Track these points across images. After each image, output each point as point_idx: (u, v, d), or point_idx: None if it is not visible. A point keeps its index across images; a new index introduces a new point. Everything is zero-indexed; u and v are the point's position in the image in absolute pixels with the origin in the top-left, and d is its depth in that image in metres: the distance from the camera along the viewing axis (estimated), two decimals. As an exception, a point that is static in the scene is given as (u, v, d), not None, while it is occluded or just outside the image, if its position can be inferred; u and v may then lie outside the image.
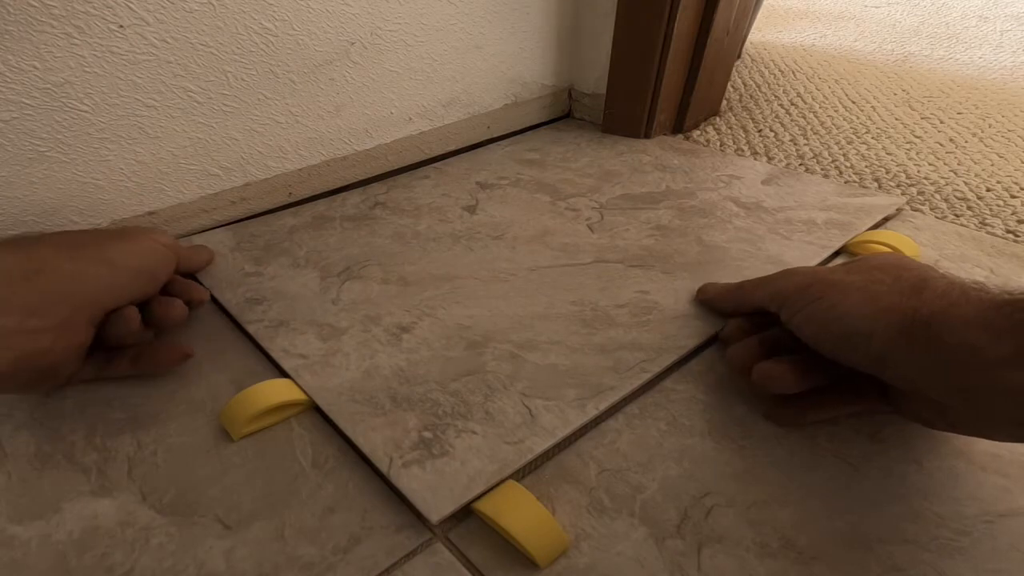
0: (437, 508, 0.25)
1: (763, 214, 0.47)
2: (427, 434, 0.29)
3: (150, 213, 0.42)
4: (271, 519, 0.26)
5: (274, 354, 0.34)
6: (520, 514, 0.25)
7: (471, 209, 0.48)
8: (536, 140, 0.61)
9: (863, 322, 0.26)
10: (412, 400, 0.31)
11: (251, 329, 0.36)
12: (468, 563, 0.25)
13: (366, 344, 0.35)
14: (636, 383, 0.32)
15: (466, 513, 0.27)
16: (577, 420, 0.30)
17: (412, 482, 0.26)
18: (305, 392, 0.31)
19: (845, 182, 0.53)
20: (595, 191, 0.50)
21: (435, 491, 0.26)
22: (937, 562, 0.24)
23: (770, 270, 0.35)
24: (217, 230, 0.46)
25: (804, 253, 0.42)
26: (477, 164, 0.55)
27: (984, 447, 0.29)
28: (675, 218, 0.46)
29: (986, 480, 0.28)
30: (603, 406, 0.30)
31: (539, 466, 0.29)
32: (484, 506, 0.26)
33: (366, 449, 0.28)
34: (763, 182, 0.51)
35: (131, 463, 0.29)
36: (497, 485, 0.27)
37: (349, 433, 0.29)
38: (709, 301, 0.37)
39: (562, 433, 0.29)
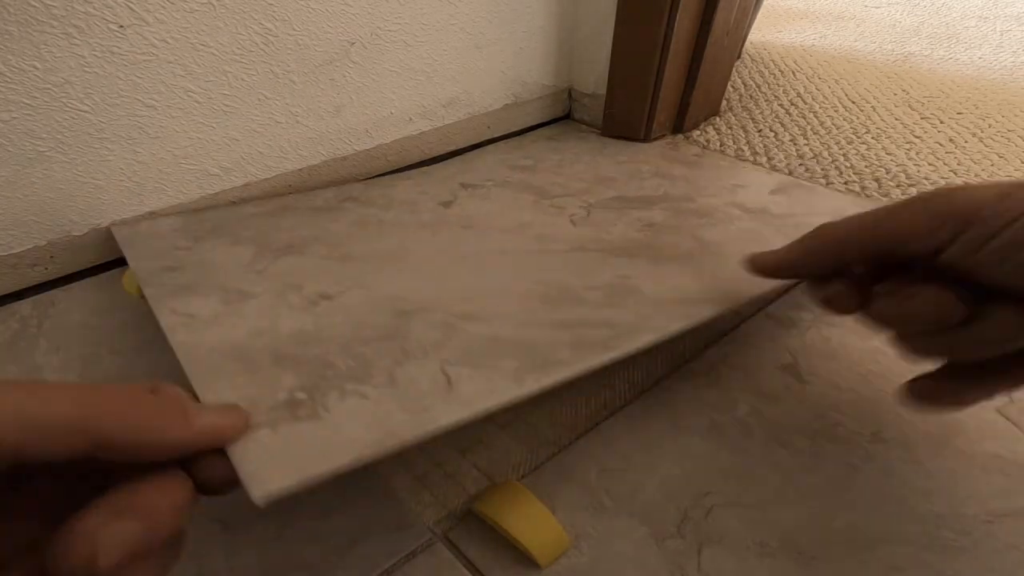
0: (263, 482, 0.18)
1: (769, 218, 0.41)
2: (300, 395, 0.23)
3: (150, 213, 0.42)
4: (271, 520, 0.26)
5: (160, 314, 0.28)
6: (520, 514, 0.25)
7: (447, 204, 0.43)
8: (533, 147, 0.58)
9: None
10: (300, 361, 0.25)
11: (148, 291, 0.30)
12: (468, 563, 0.25)
13: (272, 308, 0.29)
14: (595, 361, 0.25)
15: (466, 513, 0.27)
16: (508, 393, 0.23)
17: (249, 450, 0.20)
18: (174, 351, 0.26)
19: (867, 197, 0.51)
20: (586, 193, 0.45)
21: (275, 459, 0.19)
22: (937, 562, 0.24)
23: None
24: (169, 216, 0.41)
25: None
26: (466, 168, 0.52)
27: (985, 447, 0.29)
28: (670, 217, 0.41)
29: (987, 480, 0.28)
30: (547, 381, 0.24)
31: (539, 465, 0.29)
32: (484, 506, 0.26)
33: (206, 402, 0.22)
34: (771, 192, 0.46)
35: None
36: (372, 459, 0.20)
37: (196, 389, 0.23)
38: (777, 267, 0.27)
39: (483, 405, 0.22)
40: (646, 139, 0.60)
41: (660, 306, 0.30)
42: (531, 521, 0.25)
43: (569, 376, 0.25)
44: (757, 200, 0.44)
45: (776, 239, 0.35)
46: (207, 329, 0.27)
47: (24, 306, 0.39)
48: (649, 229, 0.39)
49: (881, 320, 0.24)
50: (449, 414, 0.22)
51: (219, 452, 0.19)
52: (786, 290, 0.35)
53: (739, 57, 0.89)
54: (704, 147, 0.60)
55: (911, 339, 0.24)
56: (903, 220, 0.22)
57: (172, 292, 0.30)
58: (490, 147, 0.60)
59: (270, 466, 0.19)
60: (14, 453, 0.14)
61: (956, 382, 0.24)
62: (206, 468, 0.18)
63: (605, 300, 0.30)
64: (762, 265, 0.28)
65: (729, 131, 0.64)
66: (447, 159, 0.58)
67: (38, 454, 0.14)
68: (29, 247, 0.39)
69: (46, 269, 0.40)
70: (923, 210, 0.22)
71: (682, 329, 0.28)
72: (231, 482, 0.19)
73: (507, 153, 0.57)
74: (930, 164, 0.56)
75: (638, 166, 0.52)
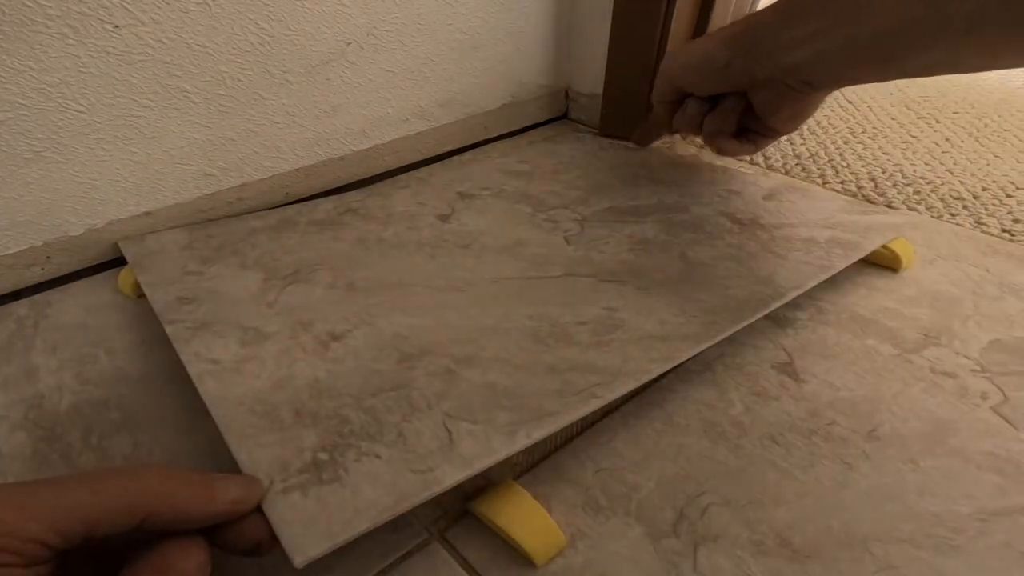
0: (304, 547, 0.21)
1: (758, 231, 0.42)
2: (323, 455, 0.25)
3: (147, 213, 0.42)
4: (267, 519, 0.26)
5: (184, 357, 0.30)
6: (516, 513, 0.25)
7: (445, 218, 0.44)
8: (530, 151, 0.57)
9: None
10: (318, 416, 0.27)
11: (170, 330, 0.32)
12: (464, 562, 0.25)
13: (288, 352, 0.31)
14: (583, 410, 0.27)
15: (463, 512, 0.27)
16: (502, 449, 0.25)
17: (286, 512, 0.22)
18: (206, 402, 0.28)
19: (863, 197, 0.51)
20: (581, 203, 0.46)
21: (309, 525, 0.22)
22: (932, 560, 0.24)
23: (759, 291, 0.35)
24: (174, 229, 0.43)
25: (799, 274, 0.37)
26: (463, 174, 0.52)
27: (979, 446, 0.29)
28: (661, 232, 0.42)
29: (981, 478, 0.28)
30: (536, 435, 0.25)
31: (535, 464, 0.29)
32: (481, 506, 0.26)
33: (247, 469, 0.24)
34: (764, 197, 0.47)
35: (127, 463, 0.29)
36: (386, 522, 0.22)
37: (234, 451, 0.25)
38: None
39: (480, 465, 0.24)
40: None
41: (643, 345, 0.31)
42: (527, 520, 0.25)
43: (555, 429, 0.26)
44: (748, 209, 0.45)
45: (761, 257, 0.39)
46: (232, 377, 0.29)
47: (21, 306, 0.39)
48: (639, 247, 0.40)
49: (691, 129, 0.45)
50: (452, 474, 0.24)
51: (242, 520, 0.22)
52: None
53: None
54: (701, 147, 0.60)
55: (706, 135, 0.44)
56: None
57: (192, 331, 0.32)
58: (487, 148, 0.60)
59: (305, 532, 0.21)
60: (82, 537, 0.18)
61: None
62: (231, 533, 0.22)
63: (592, 338, 0.32)
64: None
65: (726, 131, 0.64)
66: (444, 159, 0.58)
67: (102, 533, 0.19)
68: (25, 247, 0.39)
69: (42, 269, 0.40)
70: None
71: (661, 371, 0.30)
72: (258, 543, 0.22)
73: (504, 157, 0.56)
74: (926, 163, 0.56)
75: (634, 170, 0.52)
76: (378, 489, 0.23)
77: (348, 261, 0.39)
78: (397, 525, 0.26)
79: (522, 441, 0.25)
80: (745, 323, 0.33)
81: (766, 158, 0.58)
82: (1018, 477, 0.28)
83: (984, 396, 0.32)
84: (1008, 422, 0.31)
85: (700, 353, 0.35)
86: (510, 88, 0.60)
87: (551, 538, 0.25)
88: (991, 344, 0.35)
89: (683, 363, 0.34)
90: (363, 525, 0.22)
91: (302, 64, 0.45)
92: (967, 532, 0.26)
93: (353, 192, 0.49)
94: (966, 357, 0.35)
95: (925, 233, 0.46)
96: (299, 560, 0.20)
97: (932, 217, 0.48)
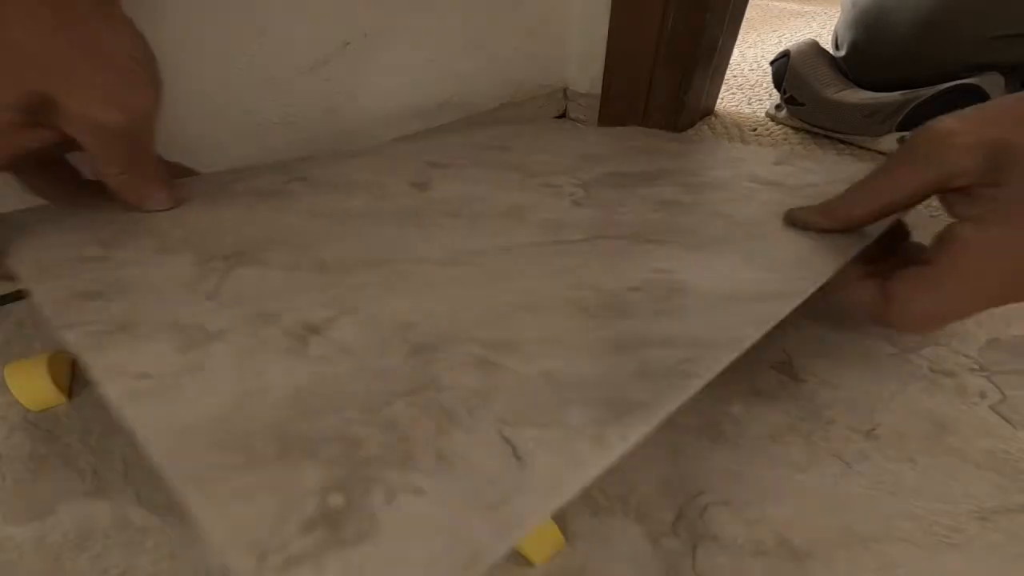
0: None
1: (788, 190, 0.36)
2: (336, 499, 0.16)
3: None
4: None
5: (97, 373, 0.20)
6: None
7: (422, 187, 0.36)
8: (503, 130, 0.51)
9: None
10: (314, 440, 0.18)
11: (70, 337, 0.22)
12: (463, 563, 0.25)
13: (250, 354, 0.22)
14: (680, 396, 0.20)
15: None
16: (597, 462, 0.18)
17: None
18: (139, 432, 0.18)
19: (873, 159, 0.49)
20: (576, 170, 0.40)
21: None
22: (931, 559, 0.24)
23: (832, 238, 0.29)
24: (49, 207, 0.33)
25: (878, 226, 0.31)
26: (428, 147, 0.45)
27: (979, 445, 0.29)
28: (681, 193, 0.36)
29: (980, 477, 0.28)
30: (633, 436, 0.18)
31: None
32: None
33: (215, 538, 0.15)
34: (774, 163, 0.42)
35: (126, 464, 0.29)
36: None
37: (190, 507, 0.16)
38: (816, 221, 0.30)
39: (572, 488, 0.17)
40: (642, 138, 0.60)
41: (722, 308, 0.25)
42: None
43: (654, 424, 0.19)
44: (765, 172, 0.40)
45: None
46: (170, 395, 0.19)
47: (19, 308, 0.39)
48: (665, 208, 0.34)
49: None
50: (538, 507, 0.16)
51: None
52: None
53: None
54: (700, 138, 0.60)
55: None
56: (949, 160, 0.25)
57: (104, 336, 0.22)
58: (449, 126, 0.57)
59: None
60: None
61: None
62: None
63: (654, 305, 0.25)
64: (803, 219, 0.30)
65: (724, 130, 0.64)
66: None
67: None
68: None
69: (41, 271, 0.40)
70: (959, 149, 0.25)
71: (759, 335, 0.24)
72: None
73: (472, 134, 0.50)
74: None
75: (623, 144, 0.47)
76: (434, 546, 0.15)
77: (310, 236, 0.30)
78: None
79: (618, 446, 0.18)
80: (836, 268, 0.28)
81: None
82: (1017, 476, 0.28)
83: (983, 395, 0.32)
84: (1007, 421, 0.31)
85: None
86: (508, 88, 0.60)
87: (549, 537, 0.25)
88: (989, 343, 0.35)
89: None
90: None
91: (300, 64, 0.45)
92: (966, 531, 0.26)
93: (296, 162, 0.40)
94: (965, 356, 0.35)
95: (925, 233, 0.46)
96: None
97: (930, 217, 0.48)
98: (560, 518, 0.26)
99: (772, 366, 0.34)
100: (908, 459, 0.29)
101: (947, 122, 0.25)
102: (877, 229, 0.31)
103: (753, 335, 0.23)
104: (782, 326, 0.37)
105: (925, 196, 0.27)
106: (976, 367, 0.34)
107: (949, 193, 0.26)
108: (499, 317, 0.24)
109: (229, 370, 0.21)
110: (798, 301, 0.26)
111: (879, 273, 0.28)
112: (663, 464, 0.29)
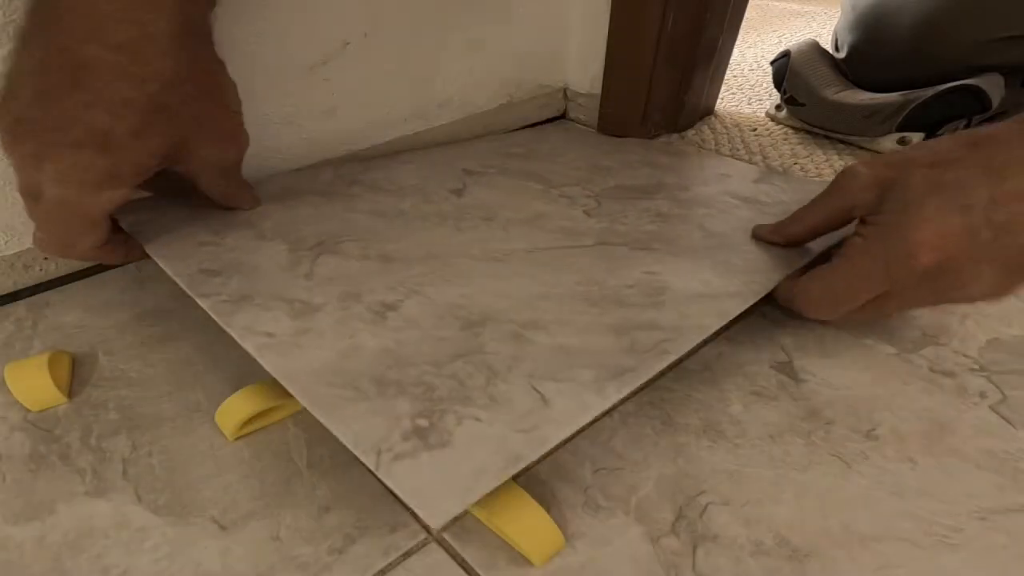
0: (438, 511, 0.21)
1: (762, 208, 0.44)
2: (422, 422, 0.24)
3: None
4: (266, 519, 0.26)
5: (234, 332, 0.29)
6: (515, 513, 0.25)
7: (458, 192, 0.44)
8: (522, 136, 0.58)
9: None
10: (403, 384, 0.26)
11: (206, 304, 0.30)
12: (463, 562, 0.25)
13: (344, 322, 0.30)
14: (658, 365, 0.28)
15: (461, 512, 0.27)
16: (597, 406, 0.26)
17: (407, 479, 0.22)
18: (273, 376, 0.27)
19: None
20: (587, 181, 0.47)
21: (435, 490, 0.22)
22: (931, 559, 0.25)
23: (784, 253, 0.37)
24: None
25: (821, 242, 0.38)
26: (461, 154, 0.52)
27: (978, 444, 0.29)
28: (674, 207, 0.44)
29: (980, 477, 0.28)
30: (626, 389, 0.27)
31: (533, 465, 0.29)
32: (479, 505, 0.26)
33: (347, 440, 0.23)
34: (754, 181, 0.50)
35: (126, 464, 0.29)
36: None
37: (326, 422, 0.24)
38: (770, 237, 0.38)
39: (582, 420, 0.25)
40: (641, 139, 0.60)
41: (694, 303, 0.33)
42: (525, 520, 0.25)
43: (639, 383, 0.27)
44: (744, 189, 0.48)
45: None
46: (293, 351, 0.28)
47: (19, 308, 0.39)
48: (658, 220, 0.42)
49: None
50: (555, 433, 0.24)
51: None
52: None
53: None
54: (699, 146, 0.60)
55: None
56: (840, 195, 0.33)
57: (232, 304, 0.30)
58: (470, 127, 0.59)
59: (436, 495, 0.22)
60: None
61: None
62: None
63: (644, 299, 0.33)
64: (763, 234, 0.39)
65: (724, 130, 0.64)
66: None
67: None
68: (24, 248, 0.39)
69: (40, 271, 0.40)
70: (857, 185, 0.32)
71: (719, 325, 0.32)
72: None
73: (497, 141, 0.57)
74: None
75: (626, 155, 0.54)
76: (488, 451, 0.23)
77: (372, 233, 0.38)
78: (395, 525, 0.26)
79: (613, 396, 0.26)
80: (782, 276, 0.35)
81: (764, 157, 0.58)
82: (1017, 476, 0.28)
83: (983, 395, 0.32)
84: (1007, 421, 0.31)
85: (698, 352, 0.35)
86: (508, 88, 0.60)
87: (550, 538, 0.25)
88: (989, 343, 0.35)
89: (681, 362, 0.34)
90: (486, 486, 0.22)
91: (300, 64, 0.45)
92: (966, 531, 0.26)
93: (352, 164, 0.48)
94: (965, 356, 0.35)
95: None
96: (437, 523, 0.21)
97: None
98: (560, 518, 0.26)
99: (772, 366, 0.34)
100: (908, 459, 0.29)
101: (857, 166, 0.32)
102: (819, 246, 0.38)
103: (715, 324, 0.31)
104: (781, 326, 0.38)
105: (843, 222, 0.34)
106: (976, 367, 0.34)
107: (858, 220, 0.33)
108: (527, 303, 0.32)
109: (331, 333, 0.29)
110: (753, 300, 0.33)
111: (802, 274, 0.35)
112: (663, 464, 0.29)
